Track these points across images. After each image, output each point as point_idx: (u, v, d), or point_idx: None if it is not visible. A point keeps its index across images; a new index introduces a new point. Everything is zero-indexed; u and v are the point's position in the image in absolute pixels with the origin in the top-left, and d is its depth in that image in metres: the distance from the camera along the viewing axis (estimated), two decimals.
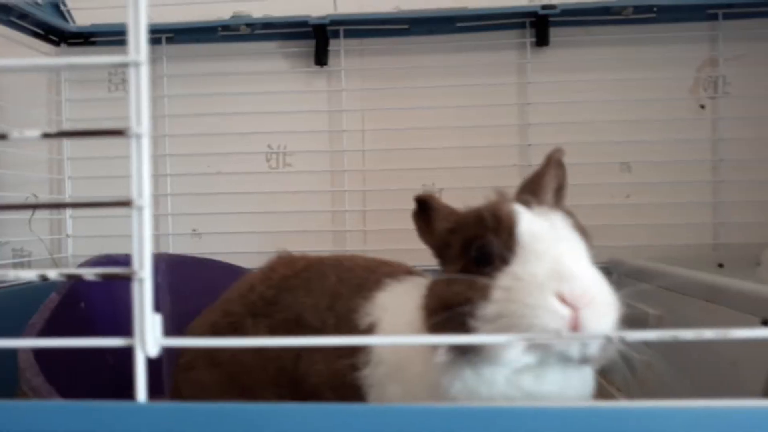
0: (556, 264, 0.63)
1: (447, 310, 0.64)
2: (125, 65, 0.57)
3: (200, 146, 1.71)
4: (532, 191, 0.81)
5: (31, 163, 1.74)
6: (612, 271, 1.57)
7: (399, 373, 0.72)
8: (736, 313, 0.95)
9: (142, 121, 0.57)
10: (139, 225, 0.56)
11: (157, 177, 1.73)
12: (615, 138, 1.65)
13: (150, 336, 0.56)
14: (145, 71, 0.55)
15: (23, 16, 1.56)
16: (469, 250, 0.68)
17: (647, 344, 1.22)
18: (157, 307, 1.46)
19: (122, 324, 1.30)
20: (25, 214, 1.65)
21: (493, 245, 0.65)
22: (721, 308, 1.00)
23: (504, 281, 0.62)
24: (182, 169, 1.72)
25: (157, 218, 1.73)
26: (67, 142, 1.74)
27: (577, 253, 0.69)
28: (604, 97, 1.65)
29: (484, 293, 0.62)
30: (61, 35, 1.72)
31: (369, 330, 0.77)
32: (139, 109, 0.56)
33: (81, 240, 1.73)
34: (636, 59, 1.65)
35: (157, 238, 1.73)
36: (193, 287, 1.46)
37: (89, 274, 0.57)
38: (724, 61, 1.64)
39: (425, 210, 0.80)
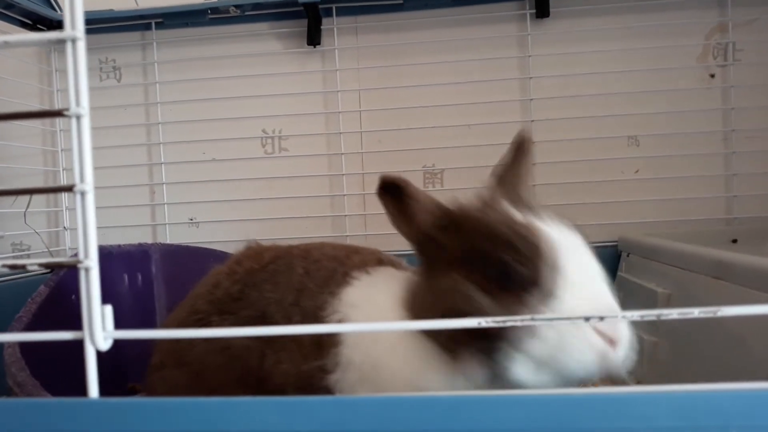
0: (597, 299, 0.63)
1: (480, 339, 0.61)
2: (62, 41, 0.53)
3: (194, 133, 1.68)
4: (515, 188, 0.77)
5: (26, 155, 1.71)
6: (621, 249, 1.52)
7: (372, 374, 0.68)
8: (747, 290, 0.90)
9: (81, 101, 0.54)
10: (83, 211, 0.53)
11: (152, 166, 1.70)
12: (621, 111, 1.58)
13: (99, 329, 0.52)
14: (82, 47, 0.52)
15: (10, 6, 1.53)
16: (481, 263, 0.64)
17: (655, 324, 1.17)
18: (152, 298, 1.43)
19: (117, 317, 1.27)
20: (23, 208, 1.64)
21: (522, 268, 0.62)
22: (730, 285, 0.95)
23: (548, 315, 0.60)
24: (177, 157, 1.68)
25: (153, 208, 1.71)
26: (60, 134, 1.71)
27: (601, 275, 0.67)
28: (608, 68, 1.58)
29: (530, 329, 0.59)
30: (49, 24, 1.68)
31: (338, 350, 0.72)
32: (78, 87, 0.52)
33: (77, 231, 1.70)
34: (641, 28, 1.58)
35: (154, 228, 1.70)
36: (188, 277, 1.43)
37: (32, 264, 0.54)
38: (734, 26, 1.56)
39: (396, 194, 0.72)
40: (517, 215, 0.67)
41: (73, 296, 1.21)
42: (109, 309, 0.51)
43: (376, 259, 0.84)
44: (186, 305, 0.88)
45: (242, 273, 0.85)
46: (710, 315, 0.42)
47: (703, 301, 1.04)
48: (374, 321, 0.71)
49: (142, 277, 1.39)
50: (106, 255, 1.35)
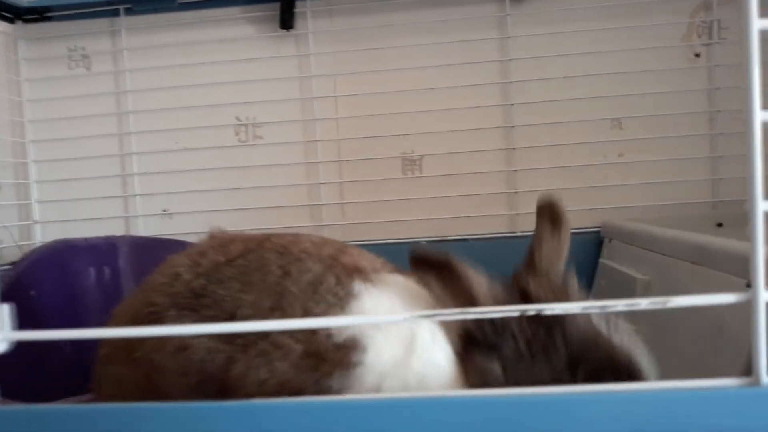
0: None
1: None
2: None
3: (166, 122, 1.63)
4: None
5: None
6: (603, 235, 1.48)
7: None
8: (725, 276, 0.86)
9: None
10: None
11: (123, 156, 1.66)
12: (604, 93, 1.54)
13: None
14: None
15: None
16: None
17: (634, 312, 1.13)
18: (121, 293, 1.37)
19: (78, 314, 1.24)
20: None
21: None
22: (709, 271, 0.91)
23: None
24: (149, 146, 1.64)
25: (125, 199, 1.66)
26: (29, 125, 1.66)
27: None
28: (590, 49, 1.54)
29: None
30: (15, 12, 1.63)
31: (348, 349, 0.64)
32: None
33: (51, 226, 1.67)
34: (623, 6, 1.53)
35: (126, 221, 1.66)
36: None
37: None
38: (718, 3, 1.52)
39: (437, 269, 0.66)
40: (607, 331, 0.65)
41: (33, 292, 1.17)
42: (6, 309, 0.47)
43: (370, 263, 0.75)
44: (139, 296, 0.79)
45: (206, 266, 0.75)
46: (660, 307, 0.39)
47: (684, 287, 1.01)
48: (418, 365, 0.64)
49: (111, 271, 1.35)
50: (71, 248, 1.31)
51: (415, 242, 1.52)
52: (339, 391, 0.63)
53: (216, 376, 0.68)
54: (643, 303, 0.39)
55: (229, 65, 1.61)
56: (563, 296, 0.66)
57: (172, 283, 0.75)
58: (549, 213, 0.73)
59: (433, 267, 0.65)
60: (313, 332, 0.65)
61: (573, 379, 0.62)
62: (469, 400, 0.41)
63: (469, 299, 0.65)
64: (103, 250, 1.35)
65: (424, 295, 0.70)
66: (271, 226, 1.54)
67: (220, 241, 0.80)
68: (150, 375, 0.71)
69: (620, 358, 0.63)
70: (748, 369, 0.47)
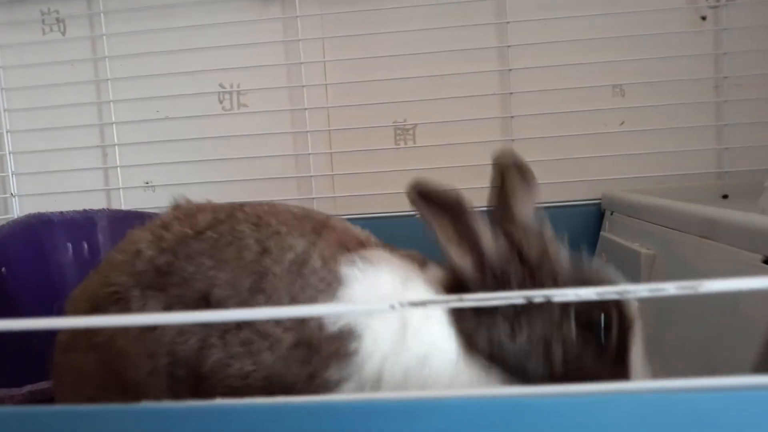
0: None
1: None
2: None
3: (147, 90, 1.55)
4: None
5: None
6: (604, 207, 1.43)
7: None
8: (736, 250, 0.81)
9: None
10: None
11: (102, 126, 1.58)
12: (605, 58, 1.47)
13: None
14: None
15: None
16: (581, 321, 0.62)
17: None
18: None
19: (54, 291, 1.17)
20: None
21: (621, 336, 0.62)
22: (719, 245, 0.86)
23: (636, 377, 0.61)
24: (129, 116, 1.56)
25: (105, 171, 1.59)
26: (2, 93, 1.58)
27: None
28: (591, 11, 1.46)
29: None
30: None
31: (343, 338, 0.60)
32: None
33: (28, 199, 1.60)
34: None
35: (107, 193, 1.59)
36: None
37: None
38: None
39: (446, 209, 0.62)
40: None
41: (3, 269, 1.11)
42: None
43: (355, 239, 0.70)
44: (98, 275, 0.71)
45: (171, 240, 0.68)
46: (689, 292, 0.33)
47: (690, 262, 0.96)
48: (416, 345, 0.60)
49: (88, 245, 1.29)
50: (46, 222, 1.25)
51: (409, 216, 1.46)
52: (338, 382, 0.59)
53: (189, 360, 0.62)
54: (671, 288, 0.33)
55: (212, 29, 1.52)
56: (546, 248, 0.65)
57: (132, 261, 0.68)
58: (514, 163, 0.71)
59: (439, 206, 0.62)
60: (302, 321, 0.61)
61: (567, 321, 0.62)
62: (470, 402, 0.35)
63: (474, 244, 0.63)
64: (80, 224, 1.29)
65: (414, 272, 0.66)
66: (258, 199, 1.47)
67: (185, 212, 0.73)
68: (112, 360, 0.65)
69: (604, 279, 0.64)
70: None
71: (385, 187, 1.50)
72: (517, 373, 0.61)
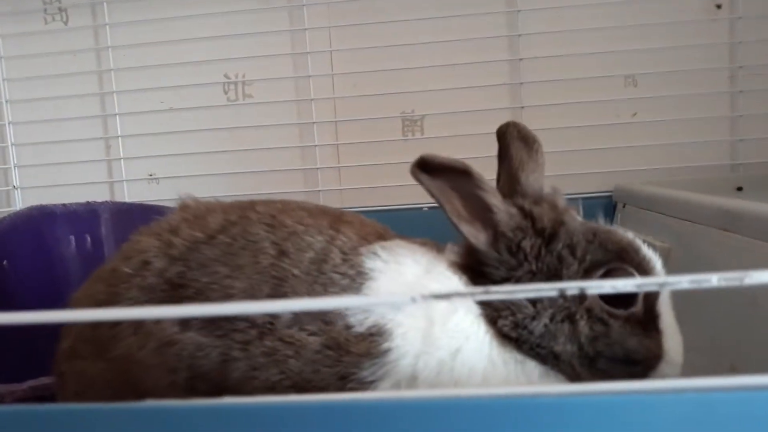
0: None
1: (617, 361, 0.59)
2: None
3: (151, 80, 1.53)
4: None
5: None
6: (617, 200, 1.40)
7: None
8: (756, 242, 0.78)
9: None
10: None
11: (105, 118, 1.56)
12: (618, 47, 1.43)
13: None
14: None
15: None
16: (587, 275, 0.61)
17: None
18: (103, 262, 1.26)
19: (57, 284, 1.16)
20: None
21: (648, 302, 0.60)
22: (738, 237, 0.83)
23: (670, 344, 0.60)
24: (132, 107, 1.54)
25: (109, 163, 1.57)
26: (5, 84, 1.56)
27: None
28: (603, 0, 1.43)
29: (660, 355, 0.59)
30: None
31: (373, 337, 0.58)
32: None
33: (31, 191, 1.58)
34: None
35: (110, 186, 1.57)
36: None
37: None
38: None
39: (453, 180, 0.61)
40: (638, 242, 0.64)
41: (4, 262, 1.09)
42: None
43: (374, 231, 0.68)
44: (104, 285, 0.67)
45: (181, 247, 0.64)
46: (735, 284, 0.30)
47: (707, 255, 0.93)
48: (446, 339, 0.58)
49: (92, 238, 1.27)
50: (48, 215, 1.23)
51: (416, 208, 1.44)
52: (373, 383, 0.57)
53: (211, 374, 0.60)
54: (714, 279, 0.30)
55: (217, 18, 1.50)
56: (561, 217, 0.64)
57: (142, 274, 0.64)
58: (518, 135, 0.71)
59: (446, 179, 0.61)
60: (327, 323, 0.58)
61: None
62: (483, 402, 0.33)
63: (486, 219, 0.62)
64: (83, 216, 1.27)
65: (435, 259, 0.64)
66: (263, 192, 1.45)
67: (194, 213, 0.68)
68: (128, 372, 0.62)
69: (621, 240, 0.62)
70: None
71: (393, 179, 1.48)
72: (548, 358, 0.59)
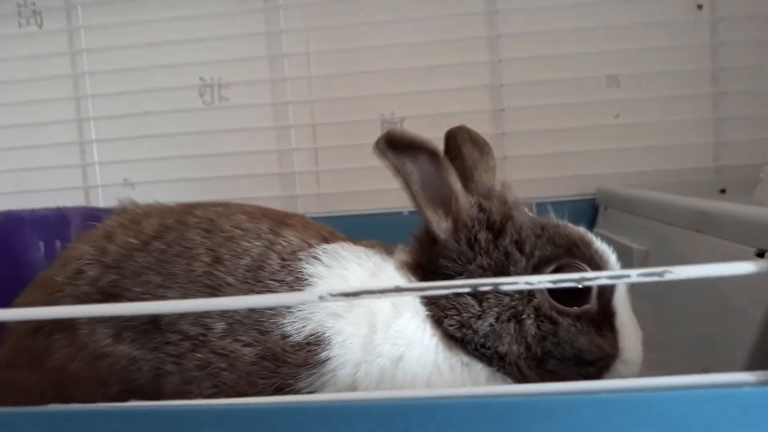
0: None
1: (568, 361, 0.57)
2: None
3: (125, 84, 1.50)
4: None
5: None
6: (599, 203, 1.38)
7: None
8: (729, 243, 0.76)
9: None
10: None
11: (80, 122, 1.53)
12: (599, 48, 1.42)
13: None
14: None
15: None
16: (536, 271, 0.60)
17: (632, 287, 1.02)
18: None
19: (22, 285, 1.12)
20: None
21: (602, 298, 0.60)
22: (712, 239, 0.81)
23: (627, 343, 0.59)
24: (107, 111, 1.52)
25: (83, 168, 1.55)
26: None
27: None
28: (584, 0, 1.41)
29: (614, 355, 0.58)
30: None
31: (311, 346, 0.56)
32: None
33: (4, 197, 1.55)
34: None
35: (85, 191, 1.55)
36: None
37: None
38: None
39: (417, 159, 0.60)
40: (589, 235, 0.63)
41: None
42: None
43: (317, 234, 0.65)
44: (41, 293, 0.65)
45: (115, 254, 0.62)
46: (655, 279, 0.29)
47: (683, 257, 0.91)
48: (388, 347, 0.56)
49: (62, 244, 1.24)
50: (17, 220, 1.20)
51: (396, 213, 1.42)
52: (311, 393, 0.55)
53: (144, 388, 0.58)
54: (634, 274, 0.28)
55: (192, 20, 1.48)
56: (510, 213, 0.63)
57: (75, 282, 0.62)
58: (470, 137, 0.73)
59: (416, 152, 0.59)
60: (262, 333, 0.56)
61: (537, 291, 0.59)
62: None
63: (450, 207, 0.61)
64: (52, 222, 1.24)
65: (383, 260, 0.63)
66: (240, 197, 1.42)
67: (131, 218, 0.67)
68: (62, 384, 0.60)
69: (571, 234, 0.61)
70: (758, 359, 0.37)
71: (373, 183, 1.45)
72: (493, 359, 0.57)
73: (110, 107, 1.52)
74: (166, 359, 0.57)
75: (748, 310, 0.68)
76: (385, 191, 1.44)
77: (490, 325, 0.57)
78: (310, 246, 0.62)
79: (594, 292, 0.58)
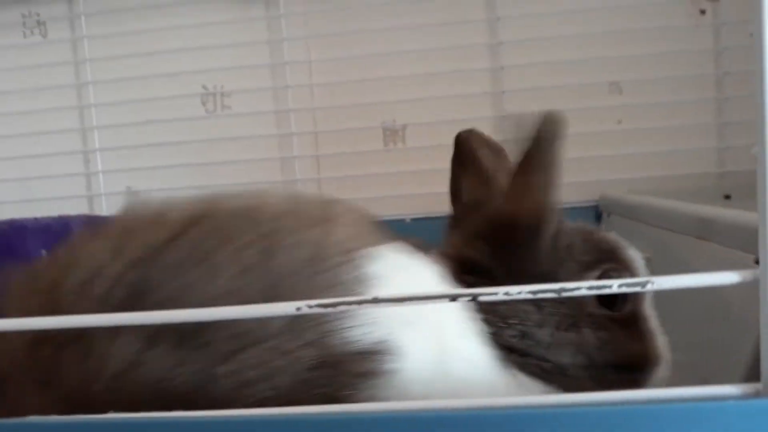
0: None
1: (623, 369, 0.56)
2: None
3: (128, 93, 1.51)
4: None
5: None
6: (602, 209, 1.37)
7: None
8: (732, 252, 0.75)
9: None
10: None
11: (83, 131, 1.54)
12: (601, 54, 1.41)
13: None
14: None
15: None
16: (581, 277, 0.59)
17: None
18: None
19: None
20: None
21: (636, 304, 0.60)
22: (714, 246, 0.80)
23: (662, 344, 0.60)
24: (110, 120, 1.52)
25: (87, 177, 1.55)
26: None
27: None
28: (585, 5, 1.40)
29: (660, 356, 0.59)
30: None
31: (378, 352, 0.48)
32: None
33: (8, 206, 1.56)
34: None
35: (89, 200, 1.55)
36: None
37: None
38: None
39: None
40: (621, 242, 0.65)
41: None
42: None
43: (369, 230, 0.58)
44: (42, 299, 0.53)
45: (140, 249, 0.51)
46: (637, 289, 0.29)
47: (685, 264, 0.90)
48: (458, 367, 0.51)
49: None
50: (19, 229, 1.21)
51: (398, 220, 1.41)
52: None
53: (182, 399, 0.47)
54: (615, 285, 0.28)
55: (194, 29, 1.48)
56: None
57: (91, 281, 0.51)
58: (484, 141, 0.75)
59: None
60: (324, 335, 0.48)
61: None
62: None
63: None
64: (55, 230, 1.25)
65: (436, 267, 0.57)
66: None
67: (152, 213, 0.56)
68: (77, 410, 0.49)
69: (611, 239, 0.63)
70: (753, 371, 0.36)
71: (375, 190, 1.45)
72: (554, 373, 0.55)
73: (113, 116, 1.52)
74: (214, 358, 0.47)
75: (748, 319, 0.68)
76: (388, 199, 1.45)
77: (551, 335, 0.55)
78: (363, 242, 0.54)
79: (631, 297, 0.58)
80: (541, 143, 0.62)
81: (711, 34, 1.42)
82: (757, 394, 0.29)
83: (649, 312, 0.59)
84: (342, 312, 0.47)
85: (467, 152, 0.71)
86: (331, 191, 1.49)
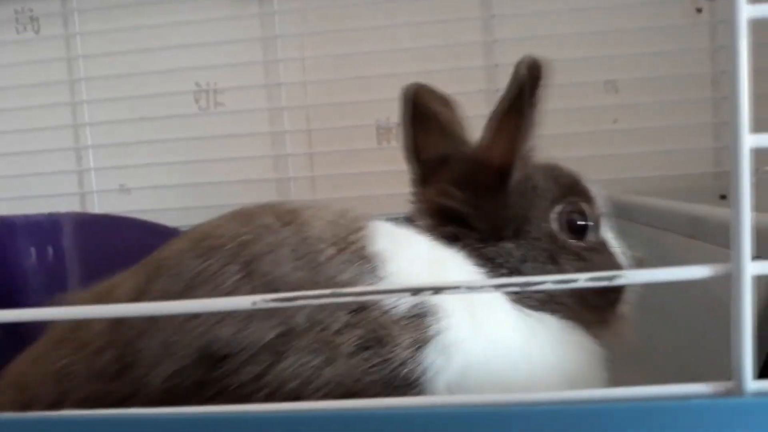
0: None
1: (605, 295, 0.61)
2: None
3: (121, 89, 1.50)
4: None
5: None
6: None
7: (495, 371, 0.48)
8: (723, 251, 0.74)
9: None
10: None
11: (76, 127, 1.53)
12: (597, 52, 1.40)
13: None
14: None
15: None
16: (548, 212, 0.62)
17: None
18: (65, 274, 1.21)
19: (16, 298, 1.12)
20: None
21: (591, 217, 0.64)
22: (706, 245, 0.79)
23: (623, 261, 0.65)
24: (103, 116, 1.52)
25: (80, 174, 1.54)
26: None
27: None
28: (581, 4, 1.39)
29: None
30: None
31: (420, 314, 0.46)
32: None
33: (2, 203, 1.55)
34: None
35: (81, 197, 1.54)
36: (109, 251, 1.28)
37: None
38: None
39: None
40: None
41: None
42: None
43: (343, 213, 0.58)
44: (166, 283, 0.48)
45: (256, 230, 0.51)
46: (605, 284, 0.28)
47: (678, 264, 0.89)
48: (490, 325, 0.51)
49: (54, 250, 1.24)
50: (8, 226, 1.19)
51: (393, 218, 1.40)
52: (422, 376, 0.44)
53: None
54: (582, 279, 0.27)
55: (188, 26, 1.47)
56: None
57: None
58: (434, 95, 0.78)
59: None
60: (361, 309, 0.45)
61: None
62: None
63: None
64: (44, 228, 1.24)
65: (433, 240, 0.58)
66: (235, 202, 1.41)
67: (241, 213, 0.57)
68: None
69: (570, 173, 0.69)
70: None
71: (369, 188, 1.44)
72: (545, 301, 0.57)
73: (106, 113, 1.52)
74: (289, 333, 0.44)
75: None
76: (381, 197, 1.44)
77: (534, 268, 0.58)
78: (357, 225, 0.54)
79: (592, 227, 0.63)
80: (519, 87, 0.64)
81: (707, 33, 1.41)
82: (727, 393, 0.28)
83: (608, 236, 0.65)
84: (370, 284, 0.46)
85: (421, 108, 0.72)
86: (325, 189, 1.49)
